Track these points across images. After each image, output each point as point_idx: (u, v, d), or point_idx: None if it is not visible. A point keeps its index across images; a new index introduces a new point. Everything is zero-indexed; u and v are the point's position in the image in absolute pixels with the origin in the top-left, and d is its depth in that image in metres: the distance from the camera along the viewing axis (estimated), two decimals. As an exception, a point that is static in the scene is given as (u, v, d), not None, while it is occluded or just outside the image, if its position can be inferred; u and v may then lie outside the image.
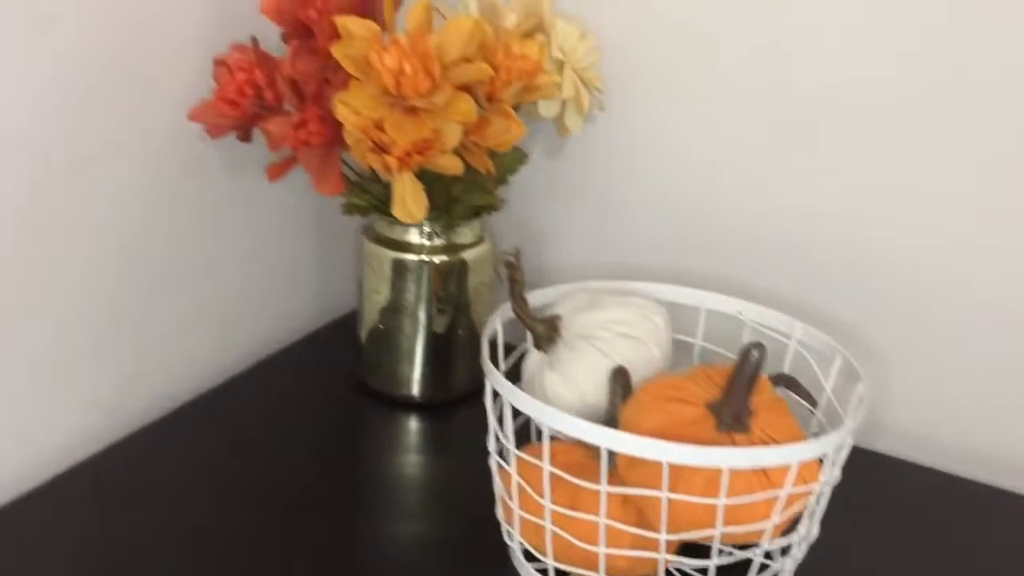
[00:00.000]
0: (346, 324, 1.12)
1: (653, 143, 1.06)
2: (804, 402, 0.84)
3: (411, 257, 0.98)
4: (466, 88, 0.84)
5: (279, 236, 1.09)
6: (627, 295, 0.86)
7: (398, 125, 0.81)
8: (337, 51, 0.82)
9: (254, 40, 0.91)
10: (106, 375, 0.94)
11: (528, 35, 0.97)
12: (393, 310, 1.00)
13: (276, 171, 0.90)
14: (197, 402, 1.00)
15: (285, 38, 0.90)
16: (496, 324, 0.84)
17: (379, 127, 0.82)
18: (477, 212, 1.00)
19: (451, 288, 1.00)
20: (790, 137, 0.99)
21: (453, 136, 0.83)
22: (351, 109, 0.83)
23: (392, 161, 0.82)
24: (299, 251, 1.13)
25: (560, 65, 0.99)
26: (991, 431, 0.97)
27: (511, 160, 1.01)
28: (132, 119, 0.89)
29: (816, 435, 0.83)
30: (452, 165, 0.84)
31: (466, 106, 0.82)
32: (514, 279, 0.81)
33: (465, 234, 0.99)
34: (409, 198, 0.84)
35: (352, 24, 0.84)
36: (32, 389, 0.87)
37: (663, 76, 1.03)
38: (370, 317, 1.02)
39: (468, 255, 1.00)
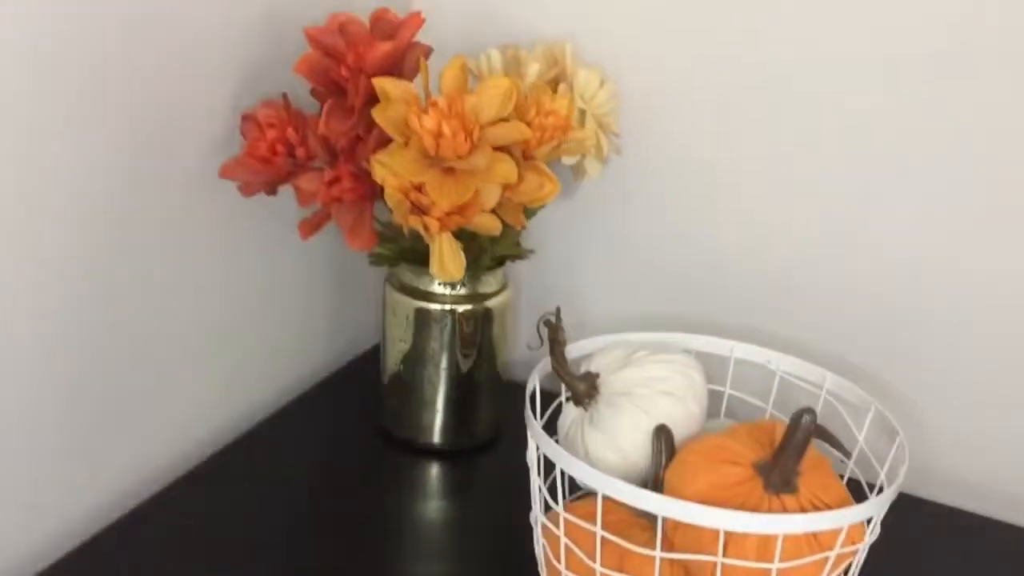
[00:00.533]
0: (363, 365, 1.13)
1: (669, 184, 1.07)
2: (837, 452, 0.85)
3: (435, 307, 0.98)
4: (502, 147, 0.84)
5: (294, 280, 1.09)
6: (659, 346, 0.87)
7: (438, 187, 0.81)
8: (377, 114, 0.82)
9: (285, 97, 0.91)
10: (124, 439, 0.93)
11: (552, 84, 0.98)
12: (416, 358, 1.01)
13: (308, 228, 0.91)
14: (218, 456, 0.99)
15: (316, 95, 0.90)
16: (535, 381, 0.85)
17: (418, 188, 0.82)
18: (501, 261, 1.00)
19: (474, 336, 1.01)
20: (811, 180, 1.00)
21: (492, 197, 0.84)
22: (389, 170, 0.83)
23: (432, 223, 0.83)
24: (314, 293, 1.12)
25: (582, 114, 1.00)
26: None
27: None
28: (154, 175, 0.89)
29: (847, 475, 0.84)
30: (491, 225, 0.85)
31: (507, 168, 0.82)
32: (555, 339, 0.82)
33: (489, 283, 1.00)
34: (448, 258, 0.85)
35: (390, 86, 0.84)
36: (46, 456, 0.85)
37: (679, 117, 1.05)
38: (392, 364, 1.02)
39: (492, 303, 1.01)
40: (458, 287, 0.99)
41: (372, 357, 1.09)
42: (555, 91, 1.00)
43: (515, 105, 0.88)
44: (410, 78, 0.92)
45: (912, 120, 0.96)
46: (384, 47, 0.86)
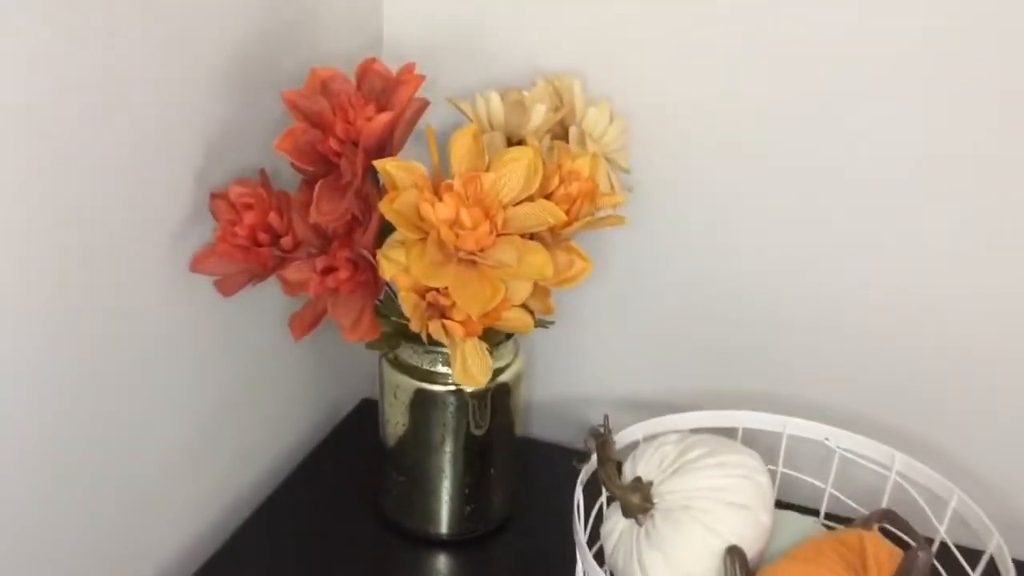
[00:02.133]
0: (355, 425, 1.03)
1: (685, 224, 0.96)
2: (914, 543, 0.77)
3: (439, 388, 0.87)
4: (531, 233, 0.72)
5: (274, 362, 0.95)
6: (706, 428, 0.79)
7: (463, 289, 0.69)
8: (385, 207, 0.70)
9: (263, 174, 0.78)
10: (103, 548, 0.80)
11: (560, 128, 0.87)
12: (419, 443, 0.89)
13: (303, 327, 0.78)
14: (216, 556, 0.88)
15: (300, 169, 0.77)
16: (580, 494, 0.75)
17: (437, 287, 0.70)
18: (510, 333, 0.89)
19: (485, 416, 0.89)
20: (847, 229, 0.90)
21: (523, 292, 0.72)
22: (401, 268, 0.71)
23: (456, 328, 0.71)
24: (294, 363, 0.99)
25: (593, 152, 0.88)
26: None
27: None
28: (115, 259, 0.74)
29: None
30: (521, 323, 0.73)
31: (540, 260, 0.71)
32: (605, 454, 0.72)
33: (501, 355, 0.89)
34: (472, 362, 0.73)
35: (395, 169, 0.71)
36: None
37: (689, 153, 0.94)
38: (392, 448, 0.91)
39: (505, 377, 0.89)
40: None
41: (365, 414, 0.99)
42: (565, 136, 0.88)
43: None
44: (402, 139, 0.79)
45: (948, 145, 0.86)
46: (382, 119, 0.73)
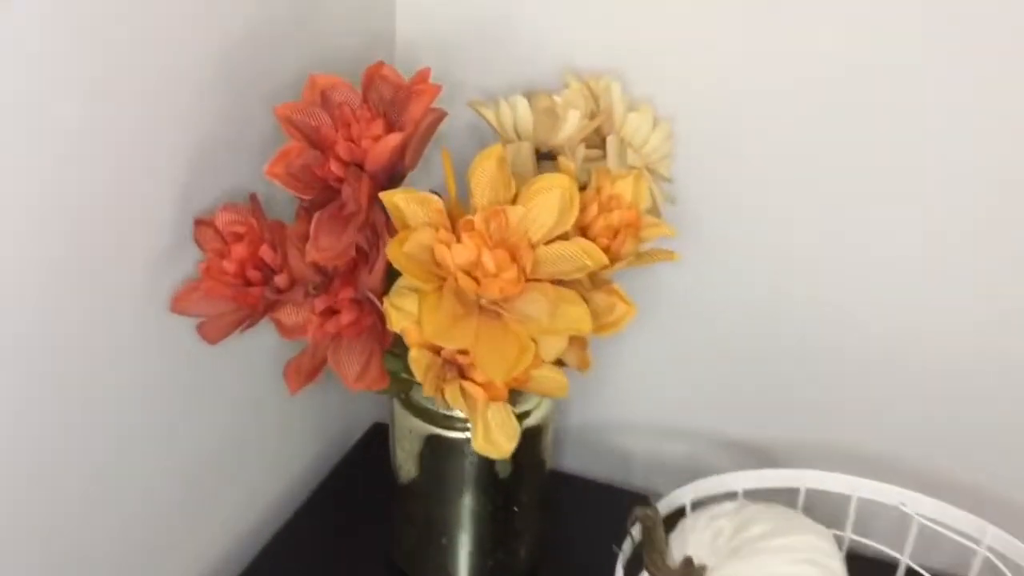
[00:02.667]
0: (361, 457, 0.92)
1: (734, 243, 0.84)
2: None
3: (457, 436, 0.76)
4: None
5: (273, 379, 0.84)
6: (764, 492, 0.69)
7: (485, 345, 0.58)
8: (393, 252, 0.58)
9: (253, 199, 0.67)
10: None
11: (598, 136, 0.75)
12: (432, 493, 0.79)
13: (299, 379, 0.67)
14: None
15: (301, 202, 0.66)
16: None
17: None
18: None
19: (503, 465, 0.78)
20: (926, 255, 0.78)
21: (557, 348, 0.61)
22: (410, 317, 0.60)
23: (477, 392, 0.60)
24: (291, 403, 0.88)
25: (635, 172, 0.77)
26: None
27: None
28: (91, 293, 0.63)
29: None
30: (555, 384, 0.62)
31: (577, 312, 0.60)
32: (652, 541, 0.61)
33: (527, 398, 0.77)
34: (497, 429, 0.62)
35: (404, 201, 0.60)
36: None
37: (738, 159, 0.82)
38: (404, 496, 0.80)
39: (532, 421, 0.78)
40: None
41: (376, 441, 0.89)
42: (602, 144, 0.77)
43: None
44: (415, 157, 0.68)
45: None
46: (390, 142, 0.62)
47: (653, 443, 0.93)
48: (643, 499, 0.66)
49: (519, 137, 0.77)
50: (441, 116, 0.69)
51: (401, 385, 0.75)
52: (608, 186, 0.67)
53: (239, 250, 0.66)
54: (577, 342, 0.66)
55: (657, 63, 0.80)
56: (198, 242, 0.68)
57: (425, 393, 0.62)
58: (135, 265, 0.65)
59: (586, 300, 0.64)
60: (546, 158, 0.77)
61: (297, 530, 0.87)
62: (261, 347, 0.79)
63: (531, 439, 0.78)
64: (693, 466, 0.90)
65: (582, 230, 0.66)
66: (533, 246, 0.61)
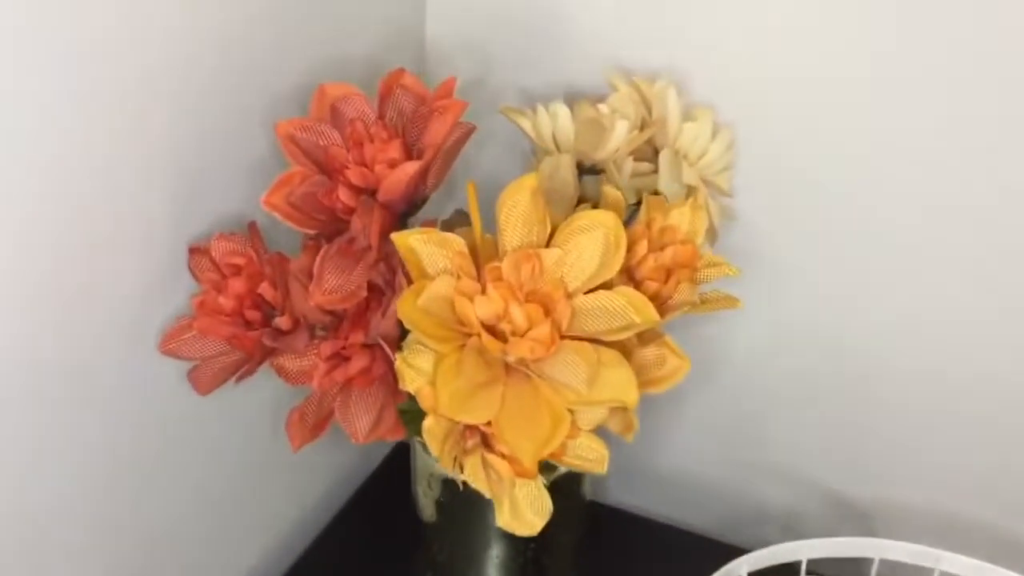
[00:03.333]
0: (382, 484, 0.85)
1: (793, 265, 0.75)
2: None
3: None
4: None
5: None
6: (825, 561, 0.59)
7: (512, 417, 0.50)
8: (405, 308, 0.50)
9: (252, 227, 0.58)
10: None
11: (650, 148, 0.66)
12: (457, 544, 0.71)
13: (302, 434, 0.59)
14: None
15: (305, 235, 0.58)
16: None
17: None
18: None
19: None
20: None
21: (596, 417, 0.52)
22: (427, 378, 0.51)
23: (503, 468, 0.52)
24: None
25: (691, 191, 0.68)
26: None
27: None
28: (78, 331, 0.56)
29: None
30: (595, 457, 0.54)
31: (621, 378, 0.51)
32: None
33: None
34: (527, 506, 0.54)
35: (421, 242, 0.51)
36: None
37: (805, 175, 0.71)
38: (428, 544, 0.72)
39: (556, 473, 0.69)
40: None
41: (399, 462, 0.80)
42: (654, 157, 0.68)
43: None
44: (439, 178, 0.59)
45: None
46: (407, 170, 0.53)
47: (713, 481, 0.84)
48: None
49: (559, 149, 0.68)
50: (468, 132, 0.60)
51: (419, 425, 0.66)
52: (660, 218, 0.58)
53: (236, 285, 0.58)
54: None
55: (718, 61, 0.70)
56: (193, 273, 0.60)
57: (442, 466, 0.54)
58: (121, 296, 0.57)
59: (630, 355, 0.55)
60: (590, 172, 0.68)
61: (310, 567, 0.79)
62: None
63: (570, 484, 0.70)
64: (755, 511, 0.82)
65: (628, 272, 0.57)
66: (571, 296, 0.52)
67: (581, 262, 0.53)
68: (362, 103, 0.59)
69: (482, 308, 0.51)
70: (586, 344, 0.51)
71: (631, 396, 0.51)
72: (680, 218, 0.59)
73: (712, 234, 0.70)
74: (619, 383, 0.51)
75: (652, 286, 0.56)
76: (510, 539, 0.68)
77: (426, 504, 0.71)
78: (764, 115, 0.70)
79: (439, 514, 0.70)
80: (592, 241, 0.53)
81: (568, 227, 0.53)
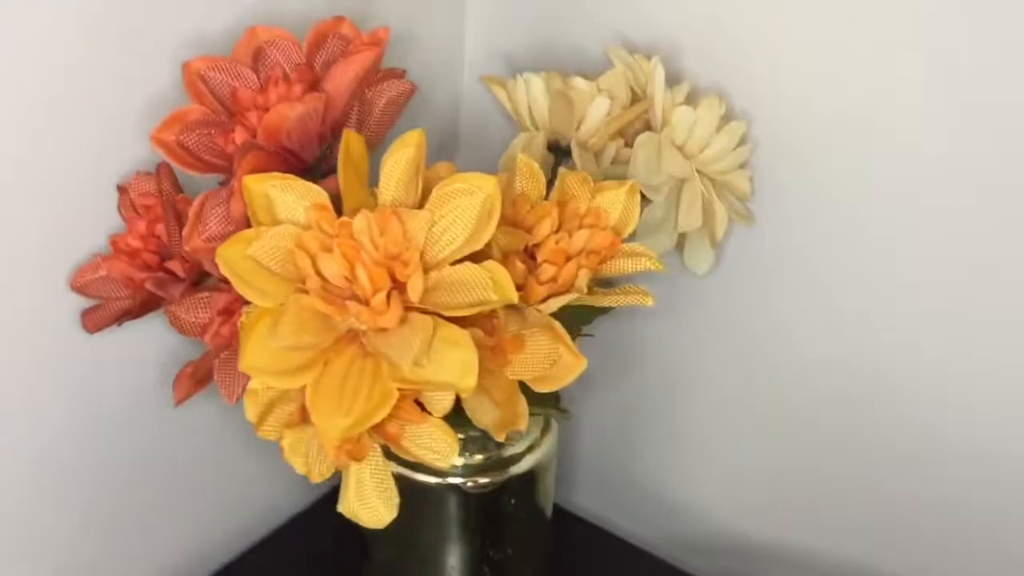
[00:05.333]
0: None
1: (817, 281, 0.65)
2: None
3: (428, 479, 0.62)
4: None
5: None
6: None
7: (329, 384, 0.45)
8: (226, 254, 0.46)
9: (162, 167, 0.56)
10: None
11: (647, 126, 0.59)
12: (408, 549, 0.66)
13: (184, 387, 0.56)
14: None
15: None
16: None
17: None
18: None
19: (495, 521, 0.64)
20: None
21: (442, 404, 0.47)
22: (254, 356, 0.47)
23: (328, 445, 0.46)
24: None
25: (679, 183, 0.61)
26: None
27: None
28: None
29: None
30: (443, 447, 0.48)
31: (459, 361, 0.45)
32: None
33: (515, 440, 0.63)
34: (375, 489, 0.49)
35: (278, 188, 0.47)
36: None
37: (843, 177, 0.62)
38: (379, 556, 0.67)
39: (522, 466, 0.63)
40: (465, 453, 0.62)
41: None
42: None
43: (513, 215, 0.49)
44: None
45: None
46: (283, 111, 0.49)
47: (705, 510, 0.76)
48: None
49: (535, 126, 0.62)
50: (404, 92, 0.56)
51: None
52: (583, 198, 0.51)
53: (140, 226, 0.56)
54: (502, 388, 0.51)
55: (742, 40, 0.62)
56: (120, 213, 0.58)
57: (262, 435, 0.49)
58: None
59: (521, 341, 0.49)
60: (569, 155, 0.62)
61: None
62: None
63: (526, 485, 0.64)
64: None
65: (529, 251, 0.51)
66: (436, 265, 0.47)
67: (454, 228, 0.47)
68: (292, 49, 0.55)
69: (327, 267, 0.46)
70: (426, 318, 0.45)
71: (467, 381, 0.44)
72: (611, 202, 0.52)
73: (710, 236, 0.63)
74: (457, 365, 0.45)
75: (549, 270, 0.50)
76: (463, 545, 0.63)
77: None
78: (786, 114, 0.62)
79: (400, 517, 0.65)
80: (469, 206, 0.47)
81: (443, 189, 0.47)
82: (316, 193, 0.48)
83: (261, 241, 0.46)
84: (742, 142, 0.63)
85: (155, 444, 0.66)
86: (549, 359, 0.50)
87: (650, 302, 0.50)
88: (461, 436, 0.57)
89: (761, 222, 0.64)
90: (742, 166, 0.64)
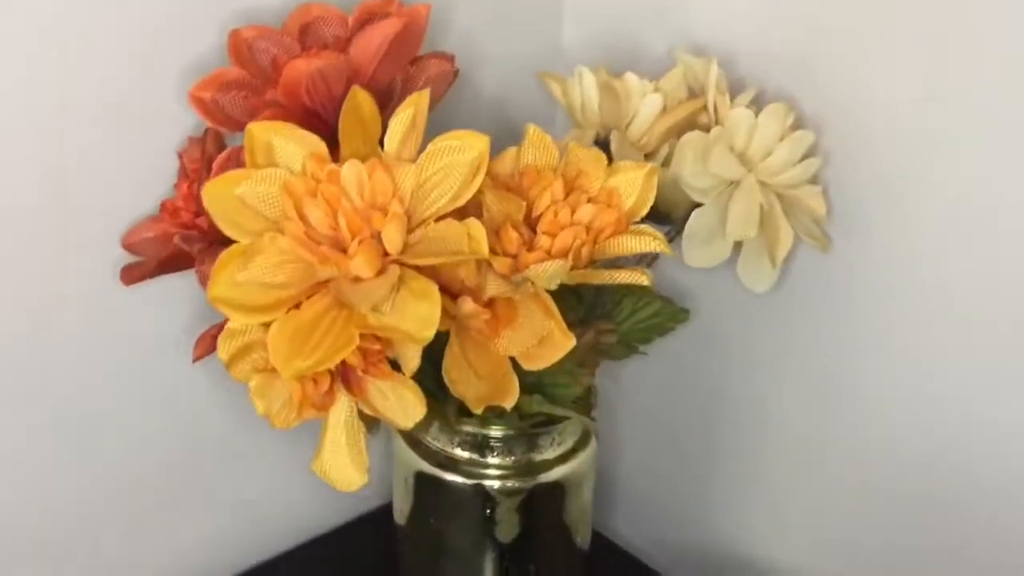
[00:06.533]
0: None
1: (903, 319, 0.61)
2: None
3: (456, 479, 0.61)
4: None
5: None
6: None
7: (292, 324, 0.44)
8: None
9: (208, 132, 0.58)
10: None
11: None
12: (437, 548, 0.64)
13: (203, 348, 0.57)
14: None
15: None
16: None
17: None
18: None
19: (530, 527, 0.62)
20: None
21: (409, 359, 0.45)
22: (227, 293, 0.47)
23: (294, 389, 0.46)
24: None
25: (730, 187, 0.58)
26: None
27: (660, 318, 0.61)
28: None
29: None
30: (407, 405, 0.46)
31: (423, 312, 0.44)
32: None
33: (546, 446, 0.61)
34: (349, 447, 0.48)
35: (283, 137, 0.48)
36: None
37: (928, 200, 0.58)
38: (406, 552, 0.66)
39: (551, 476, 0.61)
40: (493, 454, 0.61)
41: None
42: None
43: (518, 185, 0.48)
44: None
45: None
46: (299, 66, 0.50)
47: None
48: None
49: (586, 122, 0.61)
50: (444, 73, 0.56)
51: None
52: (596, 175, 0.50)
53: (183, 187, 0.57)
54: (489, 365, 0.49)
55: (837, 49, 0.59)
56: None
57: (232, 375, 0.49)
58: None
59: (514, 311, 0.48)
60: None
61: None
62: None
63: (556, 497, 0.62)
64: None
65: (530, 223, 0.49)
66: (423, 221, 0.46)
67: (444, 184, 0.47)
68: (339, 25, 0.56)
69: (311, 212, 0.46)
70: (395, 267, 0.45)
71: (425, 333, 0.43)
72: (628, 183, 0.50)
73: (771, 250, 0.60)
74: (419, 316, 0.44)
75: (546, 241, 0.48)
76: (489, 550, 0.62)
77: (401, 506, 0.66)
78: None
79: (417, 515, 0.64)
80: (459, 164, 0.47)
81: (436, 145, 0.47)
82: (317, 144, 0.48)
83: (250, 181, 0.47)
84: (805, 152, 0.59)
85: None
86: (538, 334, 0.48)
87: (645, 280, 0.48)
88: (495, 434, 0.56)
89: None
90: (812, 181, 0.61)
